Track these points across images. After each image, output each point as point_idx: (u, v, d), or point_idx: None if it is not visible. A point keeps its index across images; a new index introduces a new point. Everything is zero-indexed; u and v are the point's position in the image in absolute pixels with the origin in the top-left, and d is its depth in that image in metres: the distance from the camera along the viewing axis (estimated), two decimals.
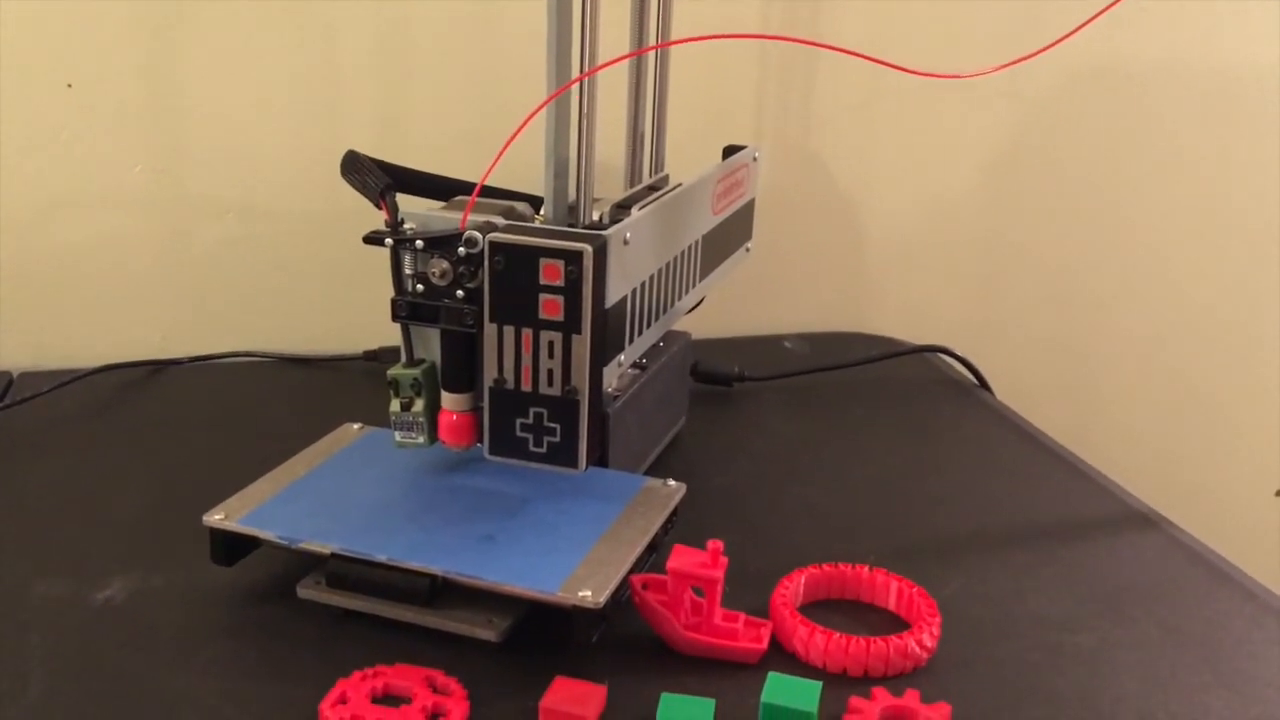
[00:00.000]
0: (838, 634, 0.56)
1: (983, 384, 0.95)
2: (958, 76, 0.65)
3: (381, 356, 0.91)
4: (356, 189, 0.61)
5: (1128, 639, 0.59)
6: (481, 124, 0.93)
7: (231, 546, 0.59)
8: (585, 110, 0.61)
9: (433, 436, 0.62)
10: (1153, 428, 1.18)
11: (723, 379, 0.90)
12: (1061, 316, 1.14)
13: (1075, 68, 1.05)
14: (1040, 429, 0.86)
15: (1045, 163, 1.08)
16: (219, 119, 0.90)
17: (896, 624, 0.60)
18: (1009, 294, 1.12)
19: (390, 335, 0.63)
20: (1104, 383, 1.17)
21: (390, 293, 0.60)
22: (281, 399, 0.86)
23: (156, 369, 0.90)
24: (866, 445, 0.82)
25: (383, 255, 0.60)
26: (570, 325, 0.56)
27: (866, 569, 0.62)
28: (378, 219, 0.60)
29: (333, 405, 0.78)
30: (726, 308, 0.98)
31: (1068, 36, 0.63)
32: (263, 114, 0.91)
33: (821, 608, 0.61)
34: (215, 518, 0.58)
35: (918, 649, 0.56)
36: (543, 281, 0.56)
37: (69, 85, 0.87)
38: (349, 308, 0.95)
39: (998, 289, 1.11)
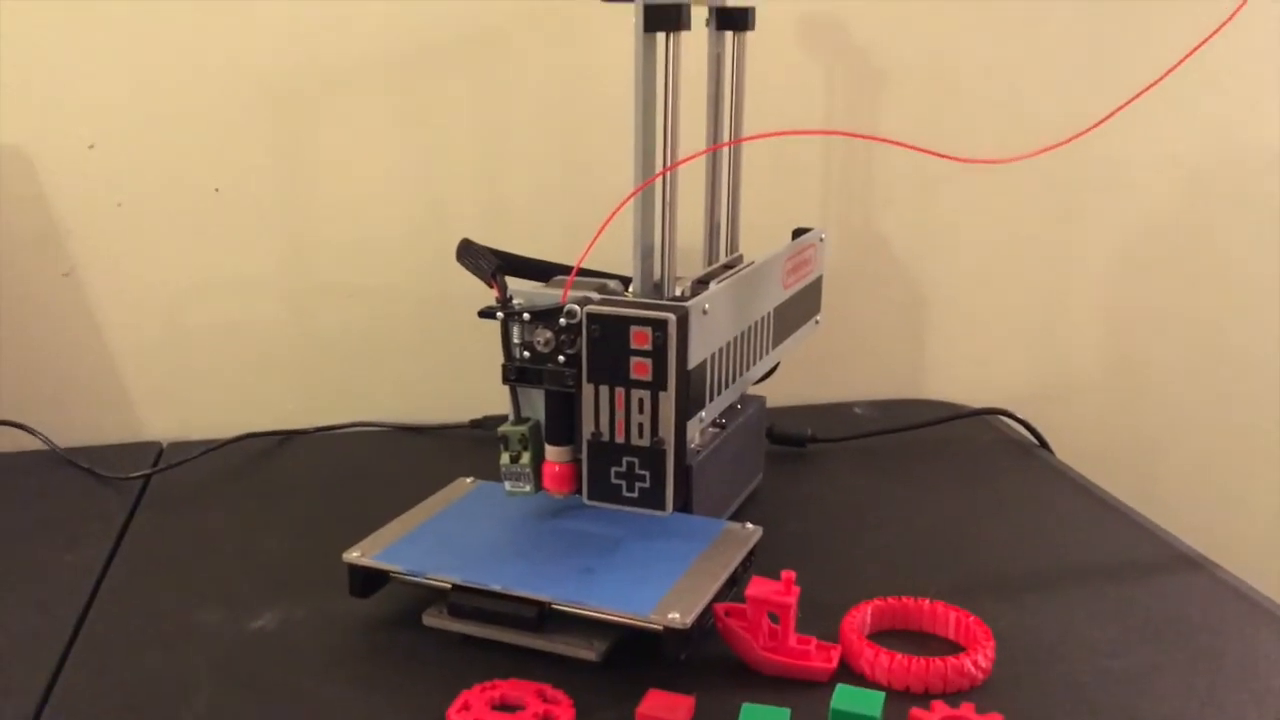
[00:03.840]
0: (900, 654, 0.62)
1: (1043, 444, 1.00)
2: (992, 162, 0.72)
3: (485, 424, 1.00)
4: (470, 270, 0.70)
5: (1170, 663, 0.65)
6: (576, 214, 1.02)
7: (367, 581, 0.67)
8: (668, 199, 0.69)
9: (538, 485, 0.70)
10: (1216, 493, 1.21)
11: (796, 440, 0.97)
12: (1121, 382, 1.18)
13: (1106, 148, 1.12)
14: (1098, 484, 0.91)
15: (1097, 232, 1.14)
16: (342, 213, 1.01)
17: (955, 650, 0.66)
18: (1069, 360, 1.16)
19: (492, 405, 0.71)
20: (1166, 447, 1.20)
21: (493, 365, 0.69)
22: (397, 463, 0.95)
23: (286, 438, 1.00)
24: (930, 497, 0.88)
25: (485, 332, 0.68)
26: (658, 384, 0.64)
27: (928, 601, 0.68)
28: (479, 301, 0.68)
29: (442, 468, 0.87)
30: (799, 376, 1.05)
31: (1097, 125, 0.71)
32: (380, 208, 1.01)
33: (886, 636, 0.68)
34: (353, 555, 0.67)
35: (973, 669, 0.62)
36: (633, 346, 0.64)
37: (216, 189, 0.99)
38: (455, 381, 1.04)
39: (1057, 356, 1.16)
